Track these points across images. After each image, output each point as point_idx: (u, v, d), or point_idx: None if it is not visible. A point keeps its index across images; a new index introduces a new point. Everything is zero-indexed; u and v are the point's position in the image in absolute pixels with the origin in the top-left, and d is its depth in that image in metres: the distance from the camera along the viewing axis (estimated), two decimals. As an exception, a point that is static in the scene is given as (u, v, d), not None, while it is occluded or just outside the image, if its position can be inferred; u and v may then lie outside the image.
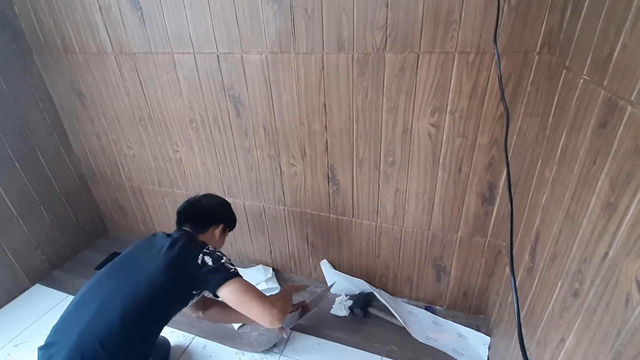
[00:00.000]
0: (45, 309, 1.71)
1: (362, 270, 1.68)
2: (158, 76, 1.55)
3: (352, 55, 1.21)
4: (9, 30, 1.69)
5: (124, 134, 1.81)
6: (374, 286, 1.67)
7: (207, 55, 1.40)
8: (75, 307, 1.07)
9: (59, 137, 1.95)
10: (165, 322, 1.12)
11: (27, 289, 1.84)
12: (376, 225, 1.52)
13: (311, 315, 1.38)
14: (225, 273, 1.09)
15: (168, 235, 1.19)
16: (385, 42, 1.15)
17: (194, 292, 1.12)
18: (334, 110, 1.33)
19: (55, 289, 1.83)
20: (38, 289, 1.85)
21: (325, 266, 1.69)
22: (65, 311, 1.08)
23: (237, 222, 1.79)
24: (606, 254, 0.62)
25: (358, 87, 1.25)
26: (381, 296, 1.56)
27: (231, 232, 1.43)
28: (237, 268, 1.14)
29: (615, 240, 0.60)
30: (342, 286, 1.69)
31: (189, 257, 1.10)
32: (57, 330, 1.04)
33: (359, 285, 1.66)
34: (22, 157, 1.79)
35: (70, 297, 1.77)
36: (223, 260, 1.12)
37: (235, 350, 1.44)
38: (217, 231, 1.29)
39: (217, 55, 1.39)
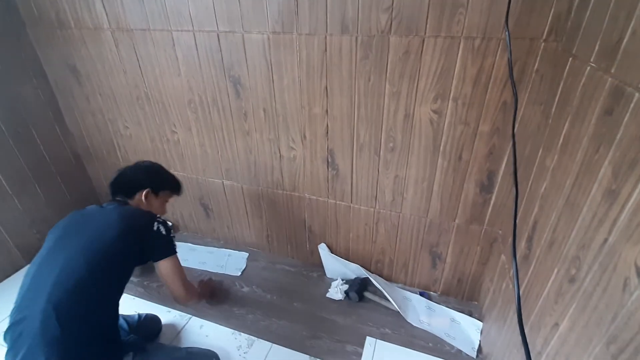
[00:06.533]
0: (40, 288, 1.70)
1: (359, 255, 1.70)
2: (156, 54, 1.51)
3: (356, 38, 1.19)
4: (1, 3, 1.63)
5: (120, 114, 1.78)
6: (370, 271, 1.68)
7: (207, 33, 1.37)
8: (34, 277, 1.02)
9: (54, 115, 1.91)
10: (122, 289, 1.12)
11: (21, 267, 1.84)
12: (374, 211, 1.53)
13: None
14: (172, 248, 1.19)
15: (110, 204, 1.20)
16: (391, 24, 1.13)
17: (144, 256, 1.16)
18: (335, 94, 1.31)
19: (50, 268, 1.83)
20: (33, 268, 1.84)
21: (322, 250, 1.70)
22: (22, 287, 1.02)
23: (235, 205, 1.81)
24: (605, 240, 0.63)
25: (361, 71, 1.24)
26: (376, 281, 1.58)
27: (173, 197, 1.42)
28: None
29: (615, 227, 0.60)
30: (338, 271, 1.71)
31: (146, 222, 1.15)
32: (20, 306, 0.99)
33: (355, 270, 1.67)
34: (16, 134, 1.75)
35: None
36: (172, 235, 1.21)
37: (231, 330, 1.46)
38: (143, 196, 1.25)
39: (217, 34, 1.36)
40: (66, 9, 1.57)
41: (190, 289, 1.24)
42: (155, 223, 1.16)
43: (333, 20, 1.18)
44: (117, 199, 1.25)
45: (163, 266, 1.18)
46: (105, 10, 1.49)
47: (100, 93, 1.75)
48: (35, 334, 0.93)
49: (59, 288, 0.97)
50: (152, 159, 1.83)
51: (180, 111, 1.62)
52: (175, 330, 1.47)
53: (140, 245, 1.13)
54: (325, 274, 1.76)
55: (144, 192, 1.25)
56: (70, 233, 1.11)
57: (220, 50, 1.39)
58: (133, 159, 1.91)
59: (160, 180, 1.35)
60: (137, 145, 1.85)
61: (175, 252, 1.20)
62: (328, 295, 1.63)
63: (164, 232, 1.17)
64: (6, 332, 0.99)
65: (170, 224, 1.22)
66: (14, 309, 1.01)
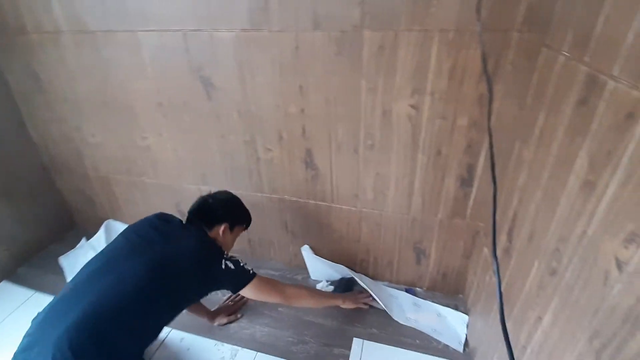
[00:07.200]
0: (12, 308, 1.61)
1: (343, 255, 1.67)
2: (120, 57, 1.43)
3: (329, 33, 1.15)
4: (-50, 6, 1.52)
5: (86, 121, 1.69)
6: (355, 271, 1.66)
7: (173, 33, 1.31)
8: (87, 280, 1.01)
9: (17, 125, 1.80)
10: (175, 314, 1.13)
11: (-11, 285, 1.73)
12: (356, 210, 1.50)
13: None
14: (246, 276, 1.18)
15: (193, 226, 1.21)
16: (363, 18, 1.10)
17: (214, 290, 1.20)
18: (310, 92, 1.28)
19: (21, 285, 1.72)
20: (3, 287, 1.73)
21: (306, 251, 1.67)
22: (65, 291, 1.01)
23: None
24: (584, 232, 0.61)
25: (335, 68, 1.20)
26: (362, 280, 1.55)
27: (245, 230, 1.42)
28: (252, 268, 1.22)
29: (593, 219, 0.59)
30: (323, 272, 1.68)
31: (215, 259, 1.14)
32: (52, 309, 0.98)
33: (340, 271, 1.65)
34: (-25, 147, 1.65)
35: (38, 294, 1.67)
36: (242, 264, 1.19)
37: (214, 342, 1.41)
38: (221, 230, 1.24)
39: (184, 33, 1.30)
40: (24, 12, 1.47)
41: (287, 293, 1.26)
42: (223, 261, 1.14)
43: (304, 16, 1.15)
44: (198, 224, 1.23)
45: (246, 294, 1.20)
46: (63, 12, 1.41)
47: (64, 100, 1.66)
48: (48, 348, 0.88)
49: (98, 304, 0.94)
50: (123, 167, 1.77)
51: (150, 115, 1.55)
52: (155, 344, 1.41)
53: (206, 283, 1.14)
54: (309, 276, 1.72)
55: (222, 227, 1.24)
56: (143, 241, 1.11)
57: (188, 50, 1.33)
58: (103, 168, 1.83)
59: (238, 216, 1.35)
60: (106, 153, 1.76)
61: (252, 277, 1.18)
62: (313, 297, 1.60)
63: (232, 267, 1.15)
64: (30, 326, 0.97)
65: (236, 256, 1.20)
66: (44, 310, 0.99)
